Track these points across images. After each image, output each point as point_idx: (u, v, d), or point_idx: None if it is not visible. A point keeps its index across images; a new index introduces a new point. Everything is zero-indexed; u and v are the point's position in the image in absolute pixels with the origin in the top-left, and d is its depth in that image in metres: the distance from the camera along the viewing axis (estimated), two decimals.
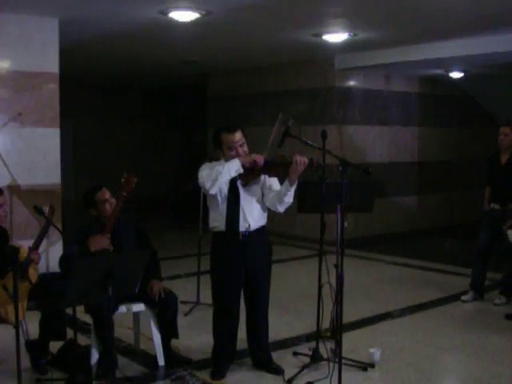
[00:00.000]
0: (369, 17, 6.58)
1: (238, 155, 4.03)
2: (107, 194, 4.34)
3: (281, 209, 4.14)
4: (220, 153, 4.14)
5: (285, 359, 4.54)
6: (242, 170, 3.97)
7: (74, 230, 4.43)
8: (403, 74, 10.31)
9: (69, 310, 3.99)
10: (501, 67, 9.39)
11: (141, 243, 4.44)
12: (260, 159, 3.95)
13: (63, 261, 4.21)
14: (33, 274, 4.18)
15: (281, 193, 4.05)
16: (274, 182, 4.18)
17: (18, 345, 3.46)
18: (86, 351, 4.24)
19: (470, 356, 4.75)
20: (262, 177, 4.14)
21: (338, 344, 3.86)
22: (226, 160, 4.08)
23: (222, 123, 4.36)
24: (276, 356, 4.50)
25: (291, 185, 4.01)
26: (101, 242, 4.15)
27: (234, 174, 3.96)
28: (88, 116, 14.52)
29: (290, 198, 4.07)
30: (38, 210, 4.02)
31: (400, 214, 10.52)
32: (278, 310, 5.56)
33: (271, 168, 4.02)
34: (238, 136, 4.06)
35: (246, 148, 4.09)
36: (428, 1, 5.84)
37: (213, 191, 4.01)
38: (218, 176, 3.94)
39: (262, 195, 4.18)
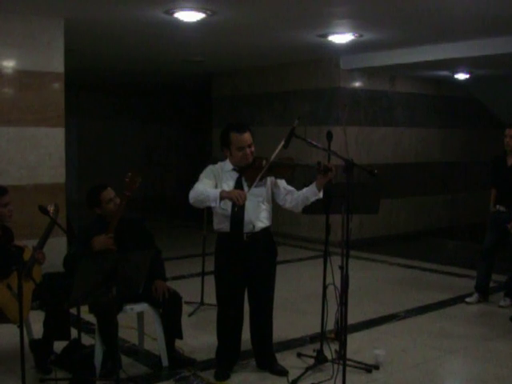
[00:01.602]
0: (374, 18, 6.56)
1: (245, 156, 4.02)
2: (112, 194, 4.34)
3: (301, 209, 4.22)
4: (227, 152, 4.11)
5: (289, 360, 4.53)
6: (217, 204, 3.89)
7: (78, 230, 4.43)
8: (408, 75, 10.28)
9: (73, 310, 4.00)
10: (507, 69, 9.37)
11: (145, 243, 4.43)
12: (239, 198, 3.78)
13: (68, 260, 4.21)
14: (37, 274, 4.18)
15: (306, 197, 4.08)
16: (283, 182, 4.20)
17: (22, 344, 3.46)
18: (90, 351, 4.24)
19: (475, 358, 4.74)
20: (269, 178, 4.13)
21: (343, 345, 3.85)
22: (232, 160, 4.09)
23: (227, 123, 4.32)
24: (280, 357, 4.48)
25: (319, 190, 4.03)
26: (105, 242, 4.14)
27: (213, 204, 3.91)
28: (92, 115, 14.55)
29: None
30: (43, 210, 4.02)
31: (405, 216, 10.50)
32: (283, 310, 5.55)
33: (278, 170, 3.99)
34: (248, 136, 4.05)
35: (253, 148, 4.08)
36: (433, 2, 5.82)
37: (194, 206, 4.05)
38: (200, 198, 3.90)
39: (273, 195, 4.19)
